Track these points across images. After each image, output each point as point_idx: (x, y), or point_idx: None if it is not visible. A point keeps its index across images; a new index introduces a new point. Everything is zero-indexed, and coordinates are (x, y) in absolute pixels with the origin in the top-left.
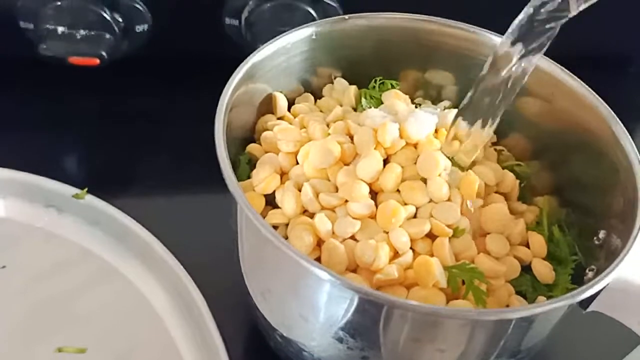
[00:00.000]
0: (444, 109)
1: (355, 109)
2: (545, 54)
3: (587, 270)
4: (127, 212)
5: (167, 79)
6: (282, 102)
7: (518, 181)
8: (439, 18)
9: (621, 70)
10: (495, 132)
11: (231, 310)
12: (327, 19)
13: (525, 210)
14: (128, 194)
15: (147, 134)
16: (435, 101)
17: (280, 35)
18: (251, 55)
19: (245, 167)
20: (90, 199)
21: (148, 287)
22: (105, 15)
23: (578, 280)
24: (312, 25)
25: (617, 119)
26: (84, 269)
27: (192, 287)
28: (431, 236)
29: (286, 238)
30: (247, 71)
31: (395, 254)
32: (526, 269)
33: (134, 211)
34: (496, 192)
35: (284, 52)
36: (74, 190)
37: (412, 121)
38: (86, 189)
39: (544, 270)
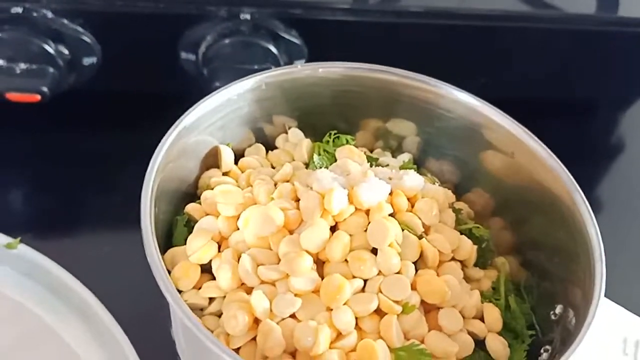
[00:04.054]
0: (403, 164)
1: (307, 165)
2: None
3: (542, 350)
4: (65, 265)
5: (117, 116)
6: (227, 156)
7: (476, 246)
8: (399, 70)
9: (591, 112)
10: (457, 187)
11: None
12: (275, 68)
13: (483, 277)
14: (67, 244)
15: (91, 177)
16: (396, 152)
17: (221, 89)
18: (187, 113)
19: (182, 229)
20: (24, 250)
21: (85, 350)
22: (48, 47)
23: (533, 355)
24: (258, 75)
25: (577, 186)
26: (15, 325)
27: (130, 351)
28: (379, 312)
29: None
30: (186, 127)
31: (339, 335)
32: (480, 342)
33: (72, 264)
34: (452, 259)
35: (229, 104)
36: (7, 240)
37: (364, 187)
38: (19, 239)
39: (498, 348)
